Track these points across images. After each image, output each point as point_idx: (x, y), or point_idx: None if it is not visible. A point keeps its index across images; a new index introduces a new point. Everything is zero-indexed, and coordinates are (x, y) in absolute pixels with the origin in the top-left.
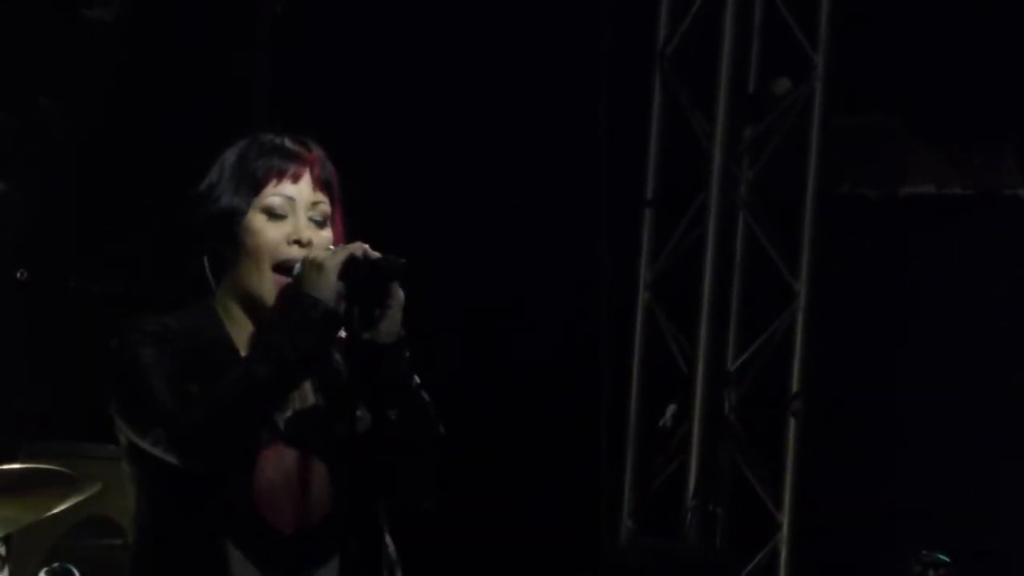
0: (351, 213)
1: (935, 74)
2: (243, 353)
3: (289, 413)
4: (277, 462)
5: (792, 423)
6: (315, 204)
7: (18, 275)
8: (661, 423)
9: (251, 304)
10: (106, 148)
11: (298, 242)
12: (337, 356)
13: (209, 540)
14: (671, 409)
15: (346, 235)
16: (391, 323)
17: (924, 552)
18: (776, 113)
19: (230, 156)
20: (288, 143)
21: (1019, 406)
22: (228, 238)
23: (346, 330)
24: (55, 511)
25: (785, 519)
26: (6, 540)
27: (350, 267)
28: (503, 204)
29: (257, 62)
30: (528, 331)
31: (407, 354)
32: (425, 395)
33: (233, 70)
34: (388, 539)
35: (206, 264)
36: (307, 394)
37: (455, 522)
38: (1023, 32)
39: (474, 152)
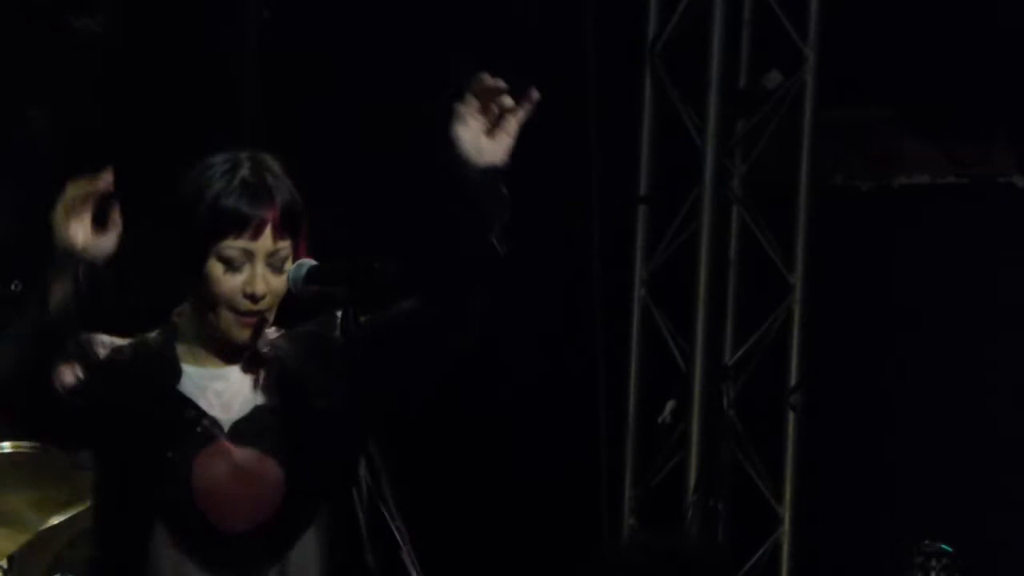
0: (331, 215)
1: (926, 65)
2: (185, 365)
3: (237, 414)
4: (220, 461)
5: (791, 416)
6: (274, 252)
7: (12, 287)
8: (660, 419)
9: (206, 335)
10: (93, 157)
11: (251, 297)
12: (289, 349)
13: (144, 538)
14: (670, 405)
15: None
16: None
17: (926, 542)
18: (768, 107)
19: (197, 185)
20: (255, 186)
21: (1021, 394)
22: (187, 270)
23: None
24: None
25: (786, 513)
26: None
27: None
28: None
29: (244, 69)
30: (523, 330)
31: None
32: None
33: (220, 77)
34: (393, 514)
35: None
36: (256, 392)
37: (452, 522)
38: (1013, 21)
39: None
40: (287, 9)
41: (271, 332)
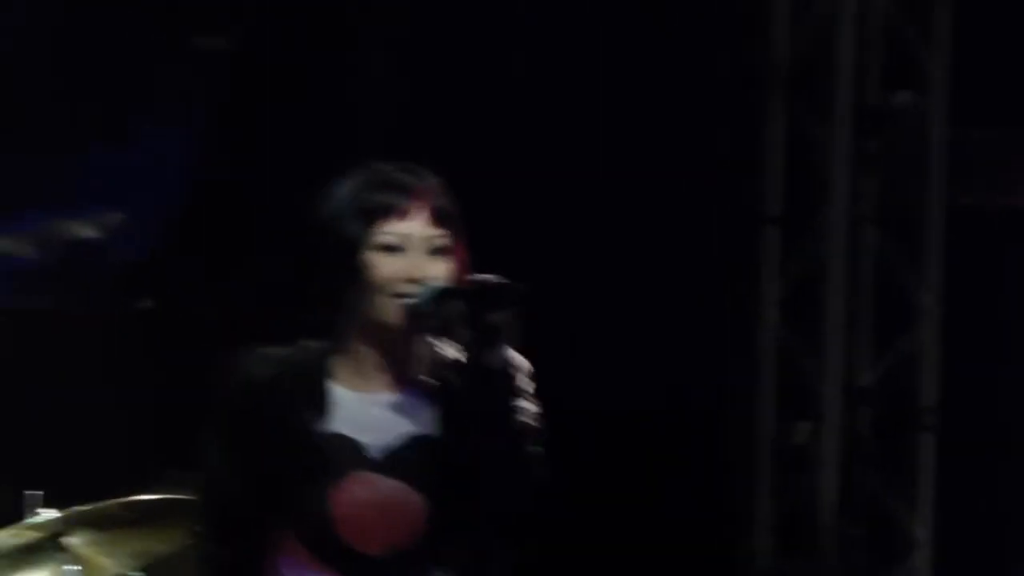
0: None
1: None
2: (340, 391)
3: (390, 441)
4: (364, 490)
5: (927, 438)
6: (431, 238)
7: (143, 304)
8: (795, 442)
9: (372, 329)
10: (223, 176)
11: (413, 279)
12: (450, 380)
13: (292, 560)
14: (803, 427)
15: (468, 267)
16: (505, 350)
17: None
18: (897, 126)
19: (345, 188)
20: (403, 176)
21: None
22: (346, 270)
23: (462, 353)
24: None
25: (924, 536)
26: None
27: (469, 291)
28: (625, 225)
29: (368, 87)
30: (654, 352)
31: (517, 384)
32: (531, 435)
33: (346, 97)
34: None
35: (324, 294)
36: (413, 421)
37: (585, 545)
38: None
39: (594, 173)
40: (415, 27)
41: (436, 350)
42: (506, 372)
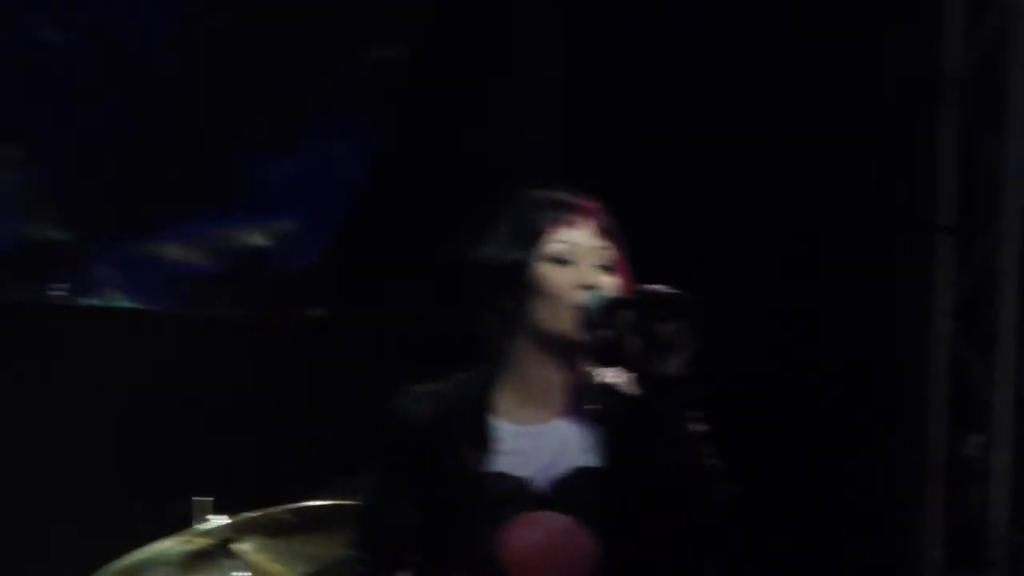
0: (638, 255)
1: None
2: (502, 425)
3: (556, 474)
4: (533, 530)
5: None
6: (599, 250)
7: (313, 312)
8: (966, 453)
9: (542, 345)
10: (392, 184)
11: (586, 287)
12: (614, 406)
13: None
14: (975, 439)
15: (632, 284)
16: (676, 362)
17: None
18: None
19: (504, 213)
20: (562, 195)
21: None
22: (513, 291)
23: (633, 366)
24: None
25: None
26: None
27: (639, 301)
28: (796, 235)
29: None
30: (825, 363)
31: (690, 398)
32: (705, 450)
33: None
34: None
35: (489, 321)
36: (580, 452)
37: (754, 559)
38: None
39: (765, 183)
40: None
41: (598, 377)
42: (680, 383)
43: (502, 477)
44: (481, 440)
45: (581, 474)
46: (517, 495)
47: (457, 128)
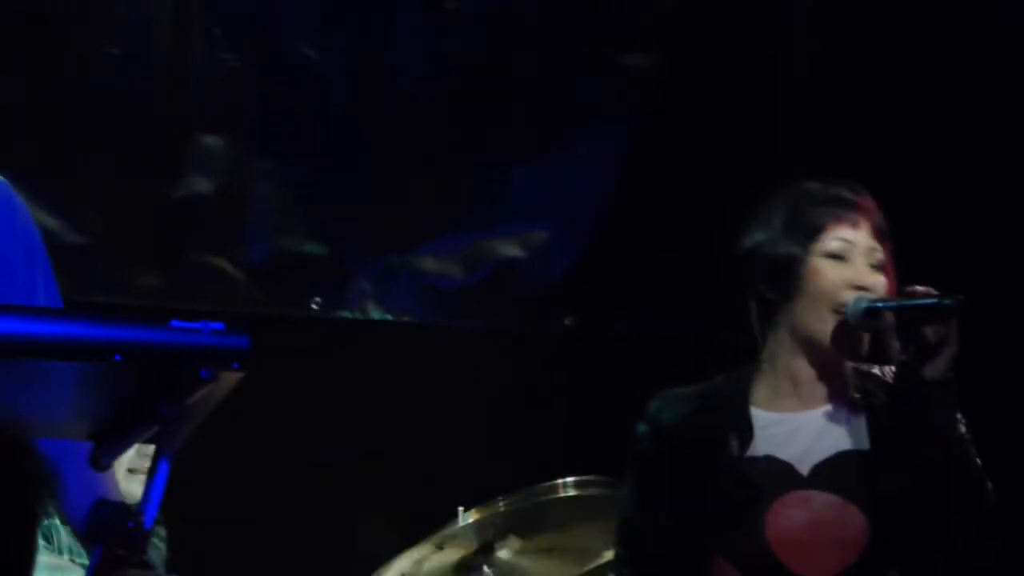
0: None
1: None
2: (762, 414)
3: (817, 457)
4: (798, 509)
5: None
6: (872, 250)
7: (567, 322)
8: None
9: (804, 344)
10: (645, 193)
11: (858, 287)
12: (876, 396)
13: None
14: None
15: (896, 285)
16: (941, 364)
17: None
18: None
19: (780, 205)
20: (843, 191)
21: None
22: (783, 284)
23: (899, 368)
24: None
25: None
26: None
27: (903, 304)
28: None
29: (794, 106)
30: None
31: (955, 400)
32: (971, 449)
33: (772, 116)
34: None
35: (753, 312)
36: (842, 437)
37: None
38: None
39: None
40: (835, 39)
41: (859, 368)
42: (944, 385)
43: (765, 461)
44: (742, 428)
45: (845, 457)
46: (782, 477)
47: (705, 135)
